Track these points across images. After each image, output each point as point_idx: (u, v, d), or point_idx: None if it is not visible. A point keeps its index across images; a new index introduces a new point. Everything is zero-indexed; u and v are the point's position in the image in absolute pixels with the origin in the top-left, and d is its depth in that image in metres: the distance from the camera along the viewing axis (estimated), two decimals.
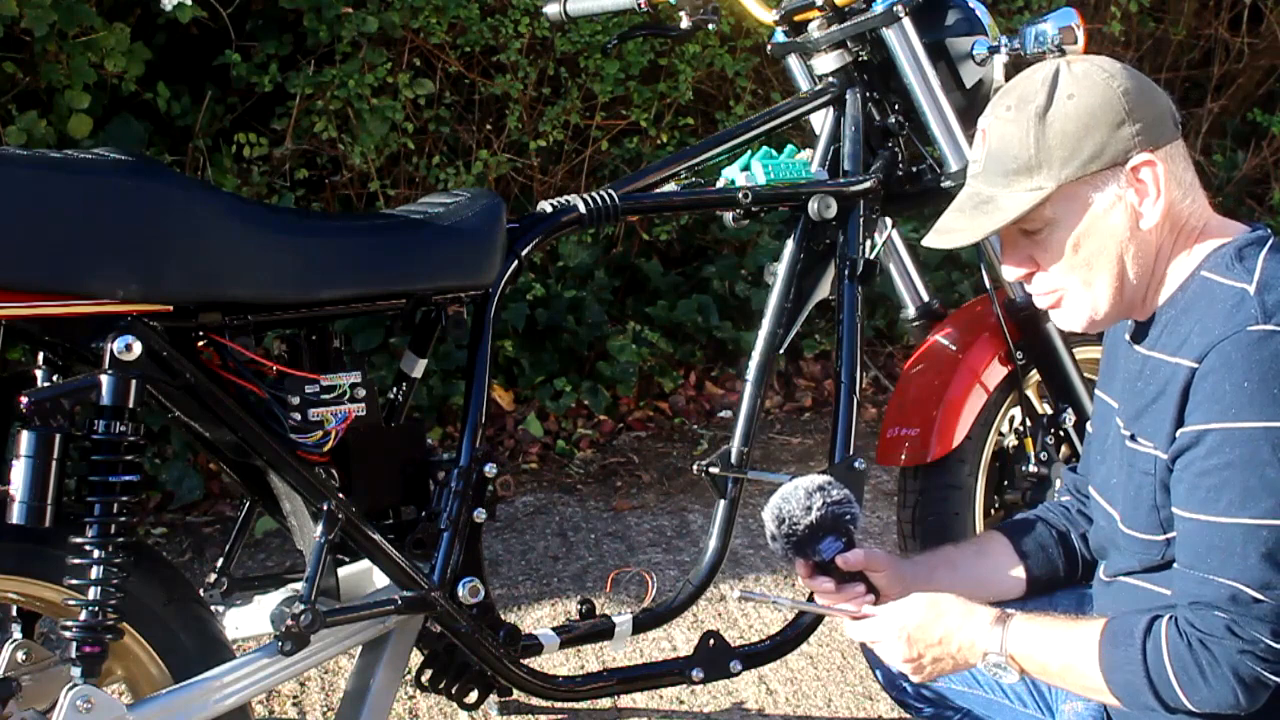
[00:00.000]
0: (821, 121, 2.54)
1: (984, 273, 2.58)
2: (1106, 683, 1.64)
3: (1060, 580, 1.98)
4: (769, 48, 2.67)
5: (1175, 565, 1.66)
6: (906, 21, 2.45)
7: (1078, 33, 2.41)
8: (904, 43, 2.46)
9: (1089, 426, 2.02)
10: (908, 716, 2.55)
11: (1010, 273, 1.76)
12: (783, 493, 1.88)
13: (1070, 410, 2.53)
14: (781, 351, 2.46)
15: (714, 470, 2.39)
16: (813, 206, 2.36)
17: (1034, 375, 2.58)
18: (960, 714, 2.07)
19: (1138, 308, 1.74)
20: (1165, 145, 1.67)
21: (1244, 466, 1.57)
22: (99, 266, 1.72)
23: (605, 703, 2.64)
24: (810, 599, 2.01)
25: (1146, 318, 1.75)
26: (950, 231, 1.75)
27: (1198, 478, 1.60)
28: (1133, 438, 1.74)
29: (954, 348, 2.57)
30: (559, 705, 2.59)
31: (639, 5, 2.53)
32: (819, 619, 2.40)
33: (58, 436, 1.69)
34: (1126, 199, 1.66)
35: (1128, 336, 1.81)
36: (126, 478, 1.76)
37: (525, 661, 2.18)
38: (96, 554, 1.75)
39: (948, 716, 2.08)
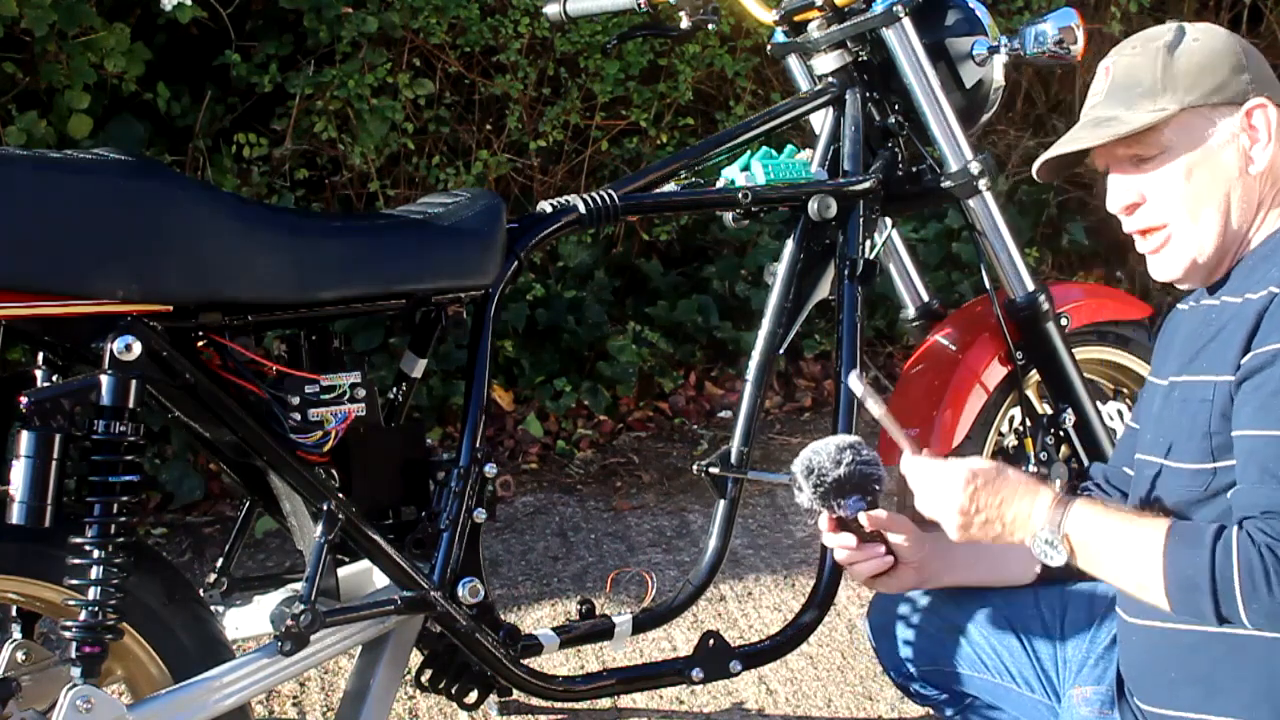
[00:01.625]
0: (821, 121, 2.54)
1: (984, 273, 2.58)
2: (1164, 579, 1.62)
3: (1075, 572, 1.98)
4: (769, 48, 2.67)
5: (1238, 486, 1.64)
6: (906, 22, 2.45)
7: (1078, 33, 2.41)
8: (904, 43, 2.46)
9: (1130, 421, 2.02)
10: (907, 717, 2.56)
11: (1116, 202, 1.79)
12: (813, 446, 1.91)
13: (1070, 410, 2.53)
14: (781, 351, 2.46)
15: (714, 470, 2.39)
16: (813, 206, 2.36)
17: (1034, 375, 2.58)
18: (966, 700, 2.07)
19: (1225, 264, 1.77)
20: (1277, 101, 1.74)
21: None
22: (99, 266, 1.72)
23: (605, 703, 2.64)
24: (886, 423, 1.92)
25: (1222, 275, 1.78)
26: (1070, 142, 1.80)
27: (1271, 396, 1.61)
28: (1187, 375, 1.76)
29: (954, 348, 2.57)
30: (559, 705, 2.59)
31: (639, 5, 2.53)
32: (819, 618, 2.39)
33: (58, 436, 1.69)
34: (1239, 140, 1.73)
35: (1194, 302, 1.85)
36: (126, 478, 1.76)
37: (525, 661, 2.18)
38: (96, 554, 1.75)
39: (953, 702, 2.09)
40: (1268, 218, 1.74)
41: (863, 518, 1.90)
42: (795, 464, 1.91)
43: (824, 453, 1.89)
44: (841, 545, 1.95)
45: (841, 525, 1.94)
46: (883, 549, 1.95)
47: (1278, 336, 1.62)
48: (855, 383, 1.85)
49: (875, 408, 1.85)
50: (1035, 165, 1.88)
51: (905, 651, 2.11)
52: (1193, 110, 1.72)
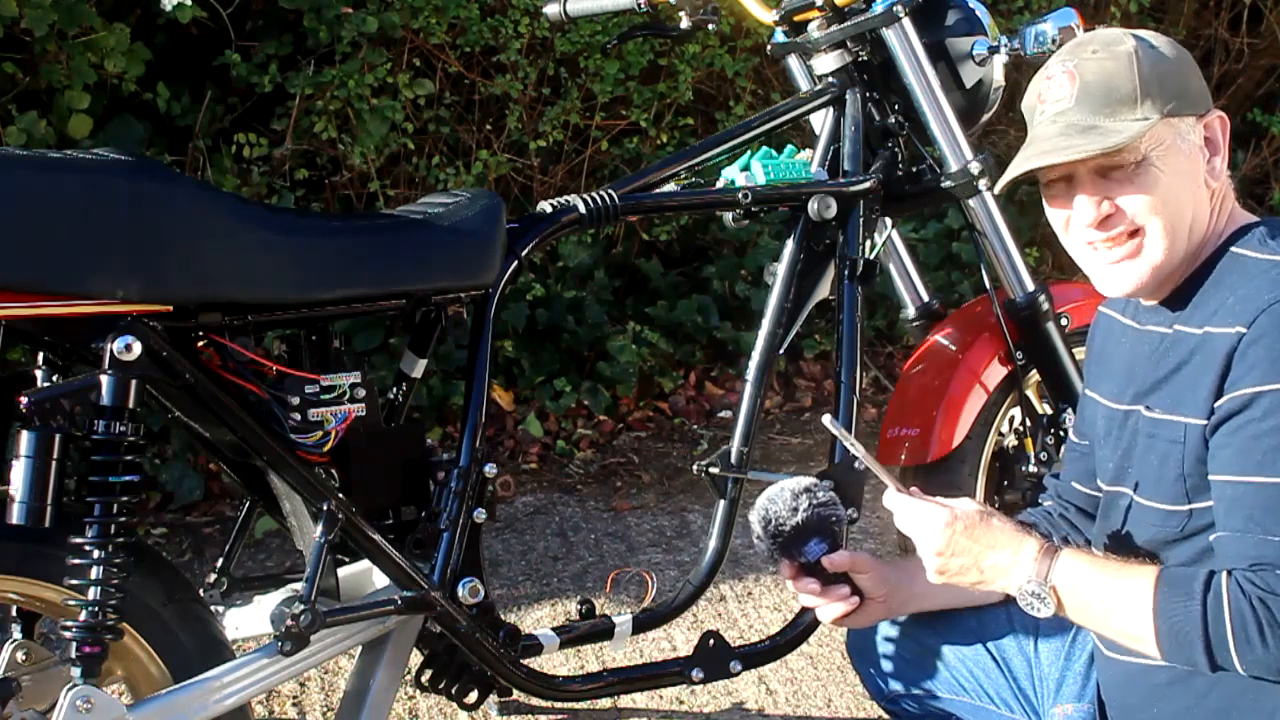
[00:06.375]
0: (821, 121, 2.54)
1: (984, 273, 2.58)
2: (1155, 630, 1.59)
3: None
4: (769, 48, 2.67)
5: (1221, 532, 1.62)
6: (906, 22, 2.45)
7: (1078, 33, 2.41)
8: (904, 43, 2.46)
9: (1073, 434, 2.00)
10: None
11: (1086, 216, 1.71)
12: (769, 494, 1.89)
13: (1070, 410, 2.53)
14: (781, 351, 2.46)
15: (714, 470, 2.39)
16: (813, 206, 2.36)
17: (1034, 375, 2.58)
18: None
19: (1173, 279, 1.73)
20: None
21: None
22: (99, 266, 1.72)
23: (605, 703, 2.63)
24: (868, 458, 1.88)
25: (1165, 294, 1.75)
26: (1056, 151, 1.69)
27: (1251, 440, 1.58)
28: (1148, 408, 1.73)
29: (954, 348, 2.57)
30: (559, 705, 2.59)
31: (639, 5, 2.53)
32: (819, 620, 2.39)
33: (58, 436, 1.70)
34: (1202, 151, 1.70)
35: (1132, 321, 1.82)
36: (126, 478, 1.76)
37: (525, 661, 2.18)
38: (96, 554, 1.75)
39: None
40: (1210, 233, 1.72)
41: (825, 561, 1.89)
42: (752, 515, 1.91)
43: (779, 501, 1.88)
44: (806, 591, 1.93)
45: (804, 570, 1.92)
46: (847, 589, 1.94)
47: (1252, 379, 1.58)
48: (831, 423, 1.80)
49: (857, 450, 1.82)
50: (1014, 172, 1.76)
51: (884, 676, 2.10)
52: (1169, 120, 1.67)
